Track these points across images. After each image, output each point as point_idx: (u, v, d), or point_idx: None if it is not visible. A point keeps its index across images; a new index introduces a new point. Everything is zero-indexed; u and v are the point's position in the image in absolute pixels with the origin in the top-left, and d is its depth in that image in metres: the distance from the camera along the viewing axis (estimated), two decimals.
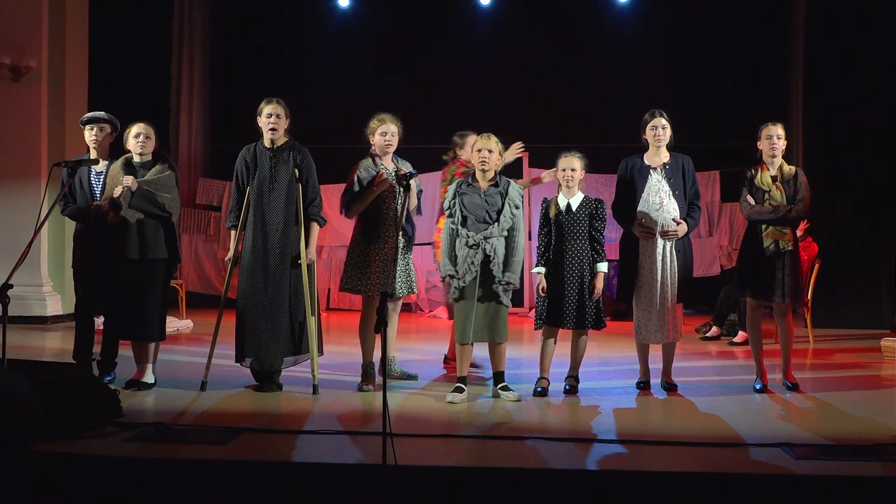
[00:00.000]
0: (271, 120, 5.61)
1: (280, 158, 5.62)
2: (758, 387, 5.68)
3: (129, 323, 5.60)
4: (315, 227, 5.68)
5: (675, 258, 5.64)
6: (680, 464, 3.91)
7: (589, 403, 5.38)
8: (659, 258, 5.62)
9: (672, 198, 5.64)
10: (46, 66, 9.26)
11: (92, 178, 5.80)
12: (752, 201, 5.73)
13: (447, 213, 5.54)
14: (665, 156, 5.75)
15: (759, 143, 5.81)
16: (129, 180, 5.54)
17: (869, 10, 9.12)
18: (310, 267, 5.65)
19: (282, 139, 5.70)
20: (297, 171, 5.63)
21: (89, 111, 9.81)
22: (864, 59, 9.18)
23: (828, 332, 8.57)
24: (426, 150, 11.33)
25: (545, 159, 11.32)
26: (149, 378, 5.67)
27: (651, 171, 5.71)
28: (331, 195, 11.38)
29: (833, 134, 9.23)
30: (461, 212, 5.42)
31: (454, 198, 5.46)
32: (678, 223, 5.60)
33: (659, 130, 5.70)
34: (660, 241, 5.63)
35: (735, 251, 10.94)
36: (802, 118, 10.57)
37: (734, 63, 11.23)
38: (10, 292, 4.31)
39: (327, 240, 11.15)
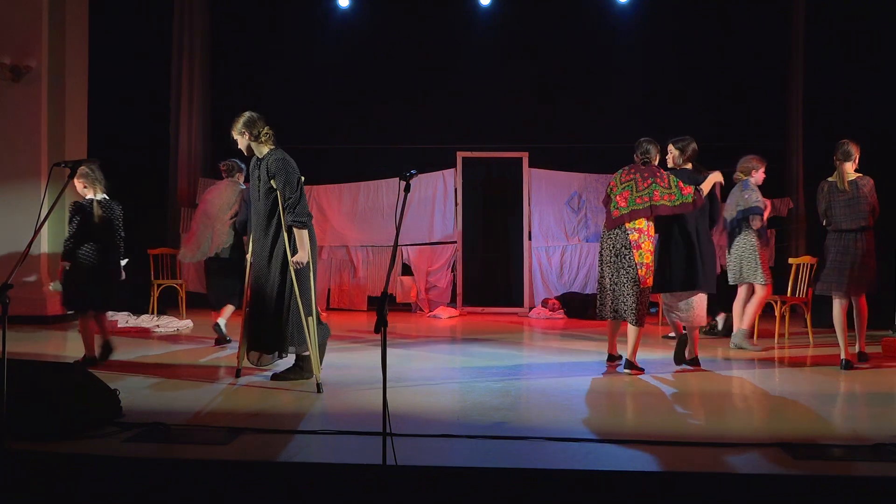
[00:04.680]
0: (237, 146, 5.88)
1: (259, 168, 5.76)
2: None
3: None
4: (298, 233, 5.64)
5: None
6: (680, 464, 3.91)
7: (589, 403, 5.38)
8: None
9: None
10: (46, 66, 9.26)
11: None
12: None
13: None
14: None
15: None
16: None
17: (869, 9, 9.13)
18: (303, 270, 5.65)
19: (264, 148, 5.78)
20: (271, 180, 5.67)
21: (89, 111, 9.87)
22: (865, 58, 9.19)
23: (828, 332, 8.56)
24: (426, 150, 11.36)
25: (545, 159, 11.36)
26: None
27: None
28: (330, 194, 11.41)
29: (833, 134, 9.21)
30: None
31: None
32: None
33: None
34: None
35: None
36: (803, 118, 10.57)
37: (735, 63, 11.24)
38: (10, 292, 4.30)
39: (327, 240, 11.15)
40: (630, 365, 6.33)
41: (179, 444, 4.19)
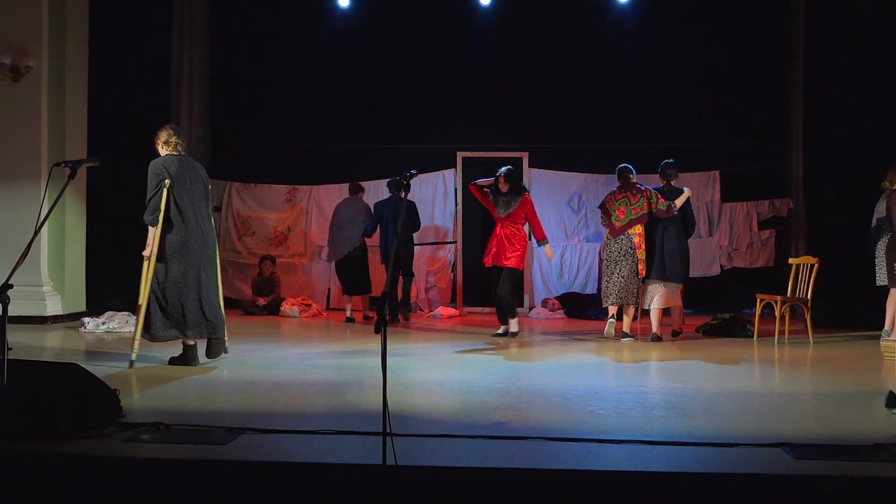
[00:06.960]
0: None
1: None
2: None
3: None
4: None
5: None
6: (680, 464, 3.91)
7: (589, 403, 5.38)
8: None
9: None
10: (46, 66, 9.25)
11: None
12: None
13: None
14: None
15: None
16: None
17: (868, 13, 9.13)
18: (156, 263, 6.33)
19: (163, 153, 6.51)
20: None
21: (89, 111, 9.87)
22: (864, 61, 9.19)
23: (828, 332, 8.57)
24: (426, 150, 11.36)
25: (545, 159, 11.36)
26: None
27: None
28: (330, 194, 11.39)
29: (834, 136, 9.24)
30: None
31: None
32: None
33: None
34: None
35: (735, 251, 10.96)
36: (803, 119, 10.57)
37: (735, 63, 11.24)
38: (9, 292, 4.30)
39: (327, 240, 11.13)
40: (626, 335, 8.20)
41: (179, 445, 4.19)
